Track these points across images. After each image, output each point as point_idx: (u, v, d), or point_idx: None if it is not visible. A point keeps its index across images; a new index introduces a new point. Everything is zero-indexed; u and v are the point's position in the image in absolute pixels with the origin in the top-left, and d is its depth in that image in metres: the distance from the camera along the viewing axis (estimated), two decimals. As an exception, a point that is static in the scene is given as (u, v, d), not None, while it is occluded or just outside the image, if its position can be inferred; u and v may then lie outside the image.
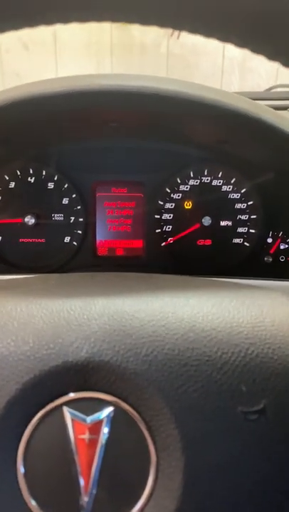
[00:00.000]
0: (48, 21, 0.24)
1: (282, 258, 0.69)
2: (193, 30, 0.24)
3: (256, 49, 0.24)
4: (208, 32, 0.24)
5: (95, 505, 0.23)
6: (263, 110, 0.44)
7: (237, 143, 0.53)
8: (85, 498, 0.23)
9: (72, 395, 0.24)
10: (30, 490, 0.23)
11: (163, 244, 0.70)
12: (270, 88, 1.18)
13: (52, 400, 0.24)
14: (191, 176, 0.69)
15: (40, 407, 0.24)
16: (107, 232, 0.71)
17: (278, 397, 0.24)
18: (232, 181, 0.68)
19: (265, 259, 0.69)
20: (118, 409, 0.24)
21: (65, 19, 0.24)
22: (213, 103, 0.42)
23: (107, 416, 0.24)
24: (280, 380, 0.24)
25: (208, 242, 0.70)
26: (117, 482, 0.24)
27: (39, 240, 0.70)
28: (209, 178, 0.69)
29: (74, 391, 0.24)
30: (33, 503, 0.23)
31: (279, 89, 1.18)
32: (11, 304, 0.27)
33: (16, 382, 0.24)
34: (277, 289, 0.52)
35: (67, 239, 0.70)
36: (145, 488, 0.23)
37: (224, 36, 0.24)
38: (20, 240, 0.70)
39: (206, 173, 0.69)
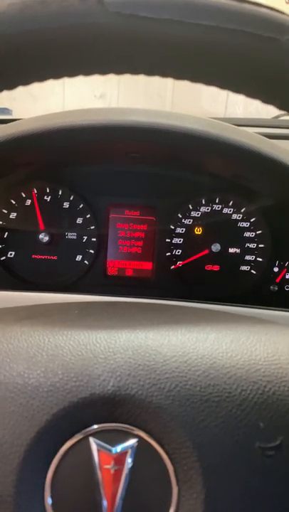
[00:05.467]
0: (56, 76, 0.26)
1: (287, 287, 0.71)
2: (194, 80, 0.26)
3: (236, 90, 0.26)
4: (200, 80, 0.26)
5: None
6: (282, 152, 0.47)
7: (252, 178, 0.55)
8: None
9: (98, 426, 0.25)
10: None
11: (172, 267, 0.72)
12: (277, 116, 1.22)
13: (79, 431, 0.25)
14: (203, 203, 0.71)
15: (68, 438, 0.25)
16: (118, 252, 0.73)
17: None
18: (242, 210, 0.70)
19: (271, 287, 0.71)
20: (142, 442, 0.25)
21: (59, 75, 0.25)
22: (237, 144, 0.44)
23: (132, 447, 0.25)
24: None
25: (217, 267, 0.72)
26: (140, 511, 0.25)
27: (51, 257, 0.72)
28: (220, 206, 0.71)
29: (100, 422, 0.25)
30: None
31: (285, 118, 1.21)
32: (38, 335, 0.28)
33: (46, 412, 0.25)
34: (284, 319, 0.54)
35: (79, 257, 0.72)
36: None
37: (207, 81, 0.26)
38: (33, 256, 0.71)
39: (217, 201, 0.71)
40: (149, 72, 0.26)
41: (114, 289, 0.72)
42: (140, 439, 0.25)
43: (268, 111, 1.45)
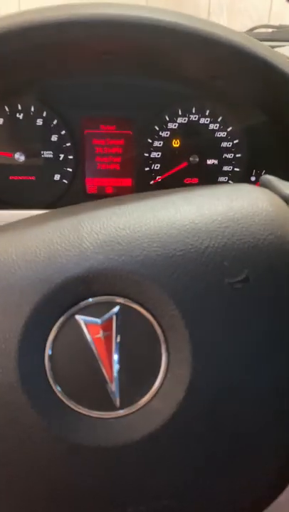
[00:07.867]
0: None
1: (264, 195, 0.73)
2: None
3: None
4: None
5: (122, 389, 0.27)
6: (257, 45, 0.46)
7: (228, 79, 0.54)
8: (111, 385, 0.27)
9: (81, 304, 0.28)
10: (64, 391, 0.27)
11: (152, 182, 0.73)
12: (252, 29, 1.17)
13: (63, 313, 0.27)
14: (180, 113, 0.70)
15: (55, 321, 0.27)
16: (97, 170, 0.72)
17: (256, 264, 0.29)
18: (219, 120, 0.70)
19: (249, 196, 0.73)
20: (124, 306, 0.28)
21: None
22: (209, 36, 0.43)
23: (116, 313, 0.28)
24: (255, 251, 0.29)
25: (195, 180, 0.73)
26: (136, 365, 0.28)
27: (29, 178, 0.71)
28: (197, 116, 0.70)
29: (81, 300, 0.28)
30: (64, 398, 0.27)
31: (261, 30, 1.17)
32: (3, 243, 0.30)
33: (28, 303, 0.27)
34: None
35: (57, 177, 0.71)
36: (161, 365, 0.28)
37: None
38: (10, 178, 0.70)
39: (193, 111, 0.70)
40: None
41: None
42: (122, 305, 0.28)
43: (248, 25, 1.37)
